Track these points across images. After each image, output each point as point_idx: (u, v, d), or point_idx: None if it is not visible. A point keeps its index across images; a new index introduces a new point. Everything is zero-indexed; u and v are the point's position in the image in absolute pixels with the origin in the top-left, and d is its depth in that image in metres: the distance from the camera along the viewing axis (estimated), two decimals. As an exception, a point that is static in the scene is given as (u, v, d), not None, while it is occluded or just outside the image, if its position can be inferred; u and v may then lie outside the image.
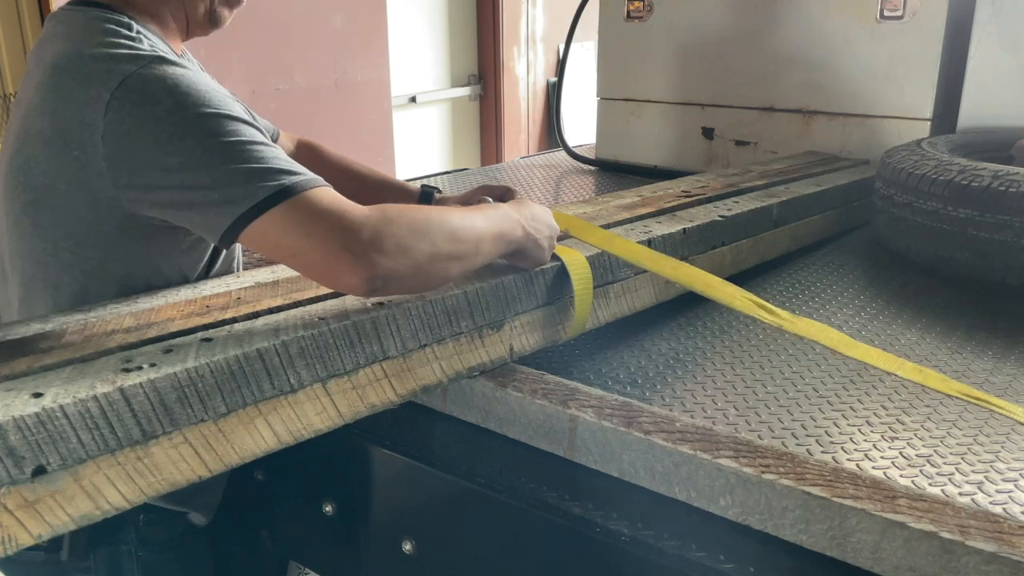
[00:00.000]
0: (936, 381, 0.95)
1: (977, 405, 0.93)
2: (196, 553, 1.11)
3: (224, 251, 1.09)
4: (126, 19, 0.97)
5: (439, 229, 0.89)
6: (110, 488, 0.69)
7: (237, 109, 0.91)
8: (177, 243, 0.99)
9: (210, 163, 0.85)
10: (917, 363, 1.12)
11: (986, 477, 0.84)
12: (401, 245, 0.84)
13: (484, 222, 0.96)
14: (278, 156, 0.88)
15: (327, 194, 0.85)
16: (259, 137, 0.89)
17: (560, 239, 1.11)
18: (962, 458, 0.87)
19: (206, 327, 0.83)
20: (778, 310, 1.03)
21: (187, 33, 1.10)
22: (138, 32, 0.96)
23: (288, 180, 0.84)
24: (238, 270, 1.12)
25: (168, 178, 0.87)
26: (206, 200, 0.86)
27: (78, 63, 0.91)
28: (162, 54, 0.92)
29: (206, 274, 1.07)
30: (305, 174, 0.87)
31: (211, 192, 0.85)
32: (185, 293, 0.95)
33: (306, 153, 1.38)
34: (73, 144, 0.90)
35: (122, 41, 0.92)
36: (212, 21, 1.10)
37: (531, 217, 1.03)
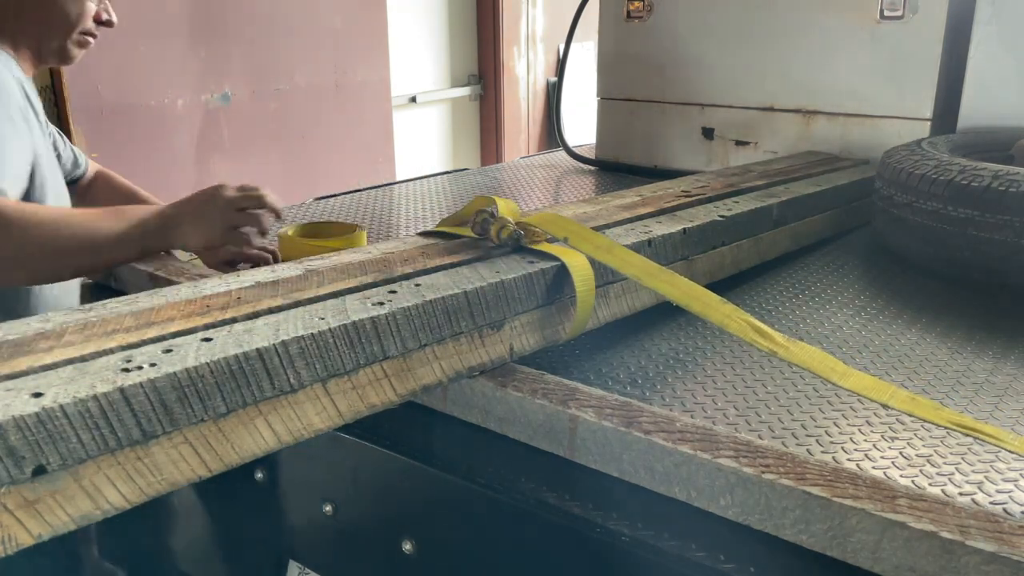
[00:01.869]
0: (928, 411, 0.95)
1: (969, 436, 0.91)
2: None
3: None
4: None
5: (51, 221, 1.03)
6: (110, 488, 0.69)
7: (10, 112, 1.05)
8: None
9: None
10: (918, 362, 1.12)
11: (986, 477, 0.84)
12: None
13: (103, 219, 1.09)
14: None
15: None
16: None
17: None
18: (962, 458, 0.87)
19: (206, 327, 0.83)
20: (774, 334, 1.02)
21: (40, 61, 1.22)
22: None
23: None
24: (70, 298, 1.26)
25: None
26: None
27: None
28: None
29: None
30: None
31: None
32: (185, 292, 0.95)
33: (100, 183, 1.61)
34: None
35: None
36: (62, 57, 1.22)
37: (179, 204, 1.15)
